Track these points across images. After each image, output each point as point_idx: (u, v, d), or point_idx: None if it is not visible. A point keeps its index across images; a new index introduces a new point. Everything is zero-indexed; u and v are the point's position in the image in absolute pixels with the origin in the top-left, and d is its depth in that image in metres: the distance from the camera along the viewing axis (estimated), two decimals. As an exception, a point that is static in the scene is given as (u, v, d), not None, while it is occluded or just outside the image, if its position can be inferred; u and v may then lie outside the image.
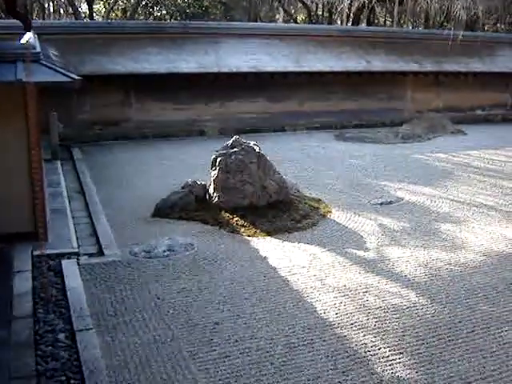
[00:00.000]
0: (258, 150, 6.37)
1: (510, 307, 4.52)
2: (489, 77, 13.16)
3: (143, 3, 20.17)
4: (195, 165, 8.27)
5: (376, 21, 22.42)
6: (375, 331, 4.09)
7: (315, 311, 4.34)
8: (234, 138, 6.56)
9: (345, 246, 5.56)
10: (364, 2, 14.24)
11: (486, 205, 6.96)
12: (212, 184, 6.49)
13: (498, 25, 21.58)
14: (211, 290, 4.65)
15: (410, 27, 21.10)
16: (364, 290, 4.69)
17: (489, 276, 5.04)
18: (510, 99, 13.65)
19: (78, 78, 5.23)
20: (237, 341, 3.90)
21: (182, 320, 4.18)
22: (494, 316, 4.38)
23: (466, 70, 12.72)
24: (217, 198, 6.40)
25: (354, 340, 3.96)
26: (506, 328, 4.22)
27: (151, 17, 20.69)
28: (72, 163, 9.10)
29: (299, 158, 8.88)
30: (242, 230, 5.93)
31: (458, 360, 3.79)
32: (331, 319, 4.22)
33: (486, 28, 20.29)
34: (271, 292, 4.61)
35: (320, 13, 21.88)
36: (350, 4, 14.58)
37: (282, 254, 5.36)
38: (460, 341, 4.04)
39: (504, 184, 7.83)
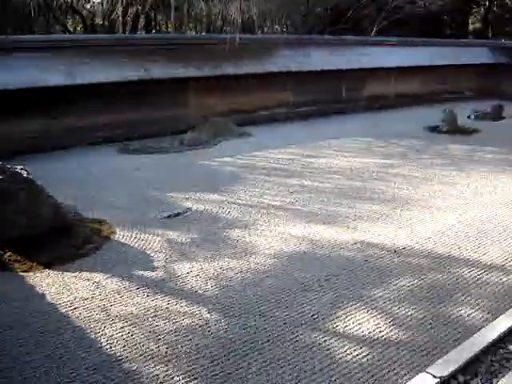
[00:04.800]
0: (26, 174, 5.76)
1: (303, 309, 4.46)
2: (270, 77, 13.45)
3: None
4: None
5: (158, 27, 22.23)
6: (166, 359, 3.79)
7: (100, 347, 3.93)
8: (-5, 165, 5.88)
9: (131, 269, 5.16)
10: (138, 9, 13.93)
11: (273, 205, 6.95)
12: (-23, 218, 5.77)
13: (277, 26, 22.44)
14: (-24, 342, 4.05)
15: (194, 32, 21.20)
16: (153, 315, 4.36)
17: (280, 279, 4.96)
18: (291, 97, 14.07)
19: None
20: (8, 398, 3.40)
21: None
22: (288, 321, 4.28)
23: (245, 72, 12.88)
24: (-16, 234, 5.69)
25: (144, 373, 3.63)
26: (301, 331, 4.14)
27: None
28: None
29: (79, 177, 8.24)
30: (16, 265, 5.27)
31: (256, 375, 3.62)
32: (118, 354, 3.84)
33: (265, 30, 20.90)
34: (49, 334, 4.10)
35: (100, 22, 21.17)
36: (125, 12, 14.18)
37: (61, 288, 4.82)
38: (256, 353, 3.87)
39: (289, 182, 7.91)
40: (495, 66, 17.65)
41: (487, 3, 28.38)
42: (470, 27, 29.06)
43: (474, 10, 29.82)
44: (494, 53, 18.12)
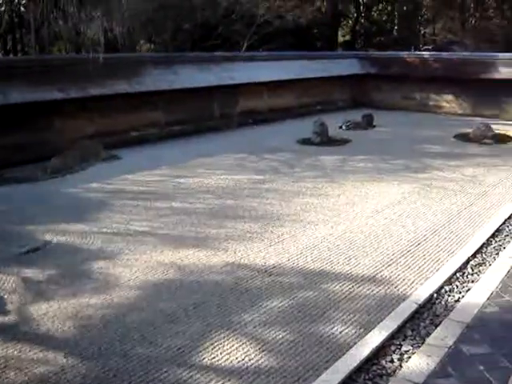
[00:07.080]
0: None
1: (168, 343, 4.19)
2: (139, 97, 13.03)
3: None
4: None
5: (23, 50, 21.25)
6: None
7: None
8: None
9: (-20, 315, 4.70)
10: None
11: (140, 231, 6.59)
12: None
13: (147, 44, 22.06)
14: None
15: (62, 53, 20.41)
16: (3, 366, 3.93)
17: (145, 312, 4.66)
18: (162, 117, 13.73)
19: None
20: None
21: None
22: (151, 358, 4.00)
23: (113, 93, 12.41)
24: None
25: None
26: (165, 369, 3.88)
27: None
28: None
29: None
30: None
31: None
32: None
33: (136, 48, 20.43)
34: None
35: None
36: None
37: None
38: (117, 399, 3.57)
39: (158, 205, 7.58)
40: (365, 76, 18.20)
41: (355, 15, 29.54)
42: (340, 39, 30.06)
43: (343, 23, 30.93)
44: (364, 63, 18.66)
